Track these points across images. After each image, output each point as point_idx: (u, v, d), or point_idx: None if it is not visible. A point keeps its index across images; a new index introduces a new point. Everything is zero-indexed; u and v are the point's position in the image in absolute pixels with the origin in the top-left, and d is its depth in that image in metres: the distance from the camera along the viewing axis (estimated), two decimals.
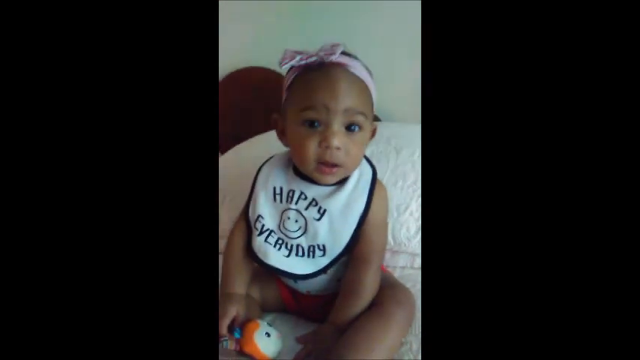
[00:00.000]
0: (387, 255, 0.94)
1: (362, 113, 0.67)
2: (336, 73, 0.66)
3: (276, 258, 0.71)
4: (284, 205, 0.73)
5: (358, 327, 0.63)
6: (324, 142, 0.65)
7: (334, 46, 0.66)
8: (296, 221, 0.71)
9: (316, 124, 0.66)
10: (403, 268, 0.94)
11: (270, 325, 0.66)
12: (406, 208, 0.94)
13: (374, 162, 0.85)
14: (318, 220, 0.70)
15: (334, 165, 0.67)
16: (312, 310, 0.77)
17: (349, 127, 0.66)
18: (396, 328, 0.63)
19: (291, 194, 0.72)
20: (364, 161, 0.74)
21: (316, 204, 0.70)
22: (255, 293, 0.78)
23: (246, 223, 0.76)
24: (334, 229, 0.70)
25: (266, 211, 0.74)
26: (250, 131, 1.27)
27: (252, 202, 0.76)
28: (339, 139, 0.65)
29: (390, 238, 0.94)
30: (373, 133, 0.75)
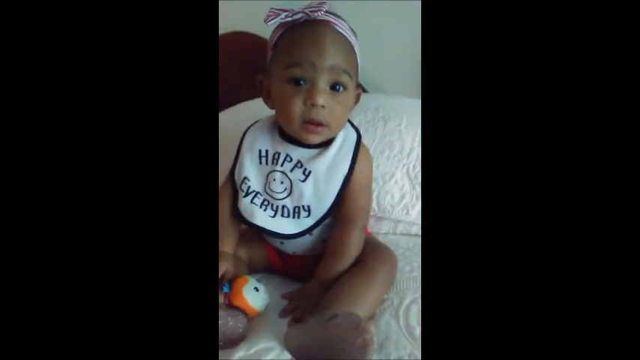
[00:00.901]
0: (372, 221, 0.97)
1: (347, 72, 0.68)
2: (322, 30, 0.67)
3: (262, 218, 0.74)
4: (269, 167, 0.74)
5: (343, 283, 0.67)
6: (310, 100, 0.66)
7: (320, 3, 0.67)
8: (281, 183, 0.73)
9: (302, 82, 0.67)
10: (386, 234, 0.97)
11: (258, 280, 0.69)
12: (391, 177, 0.97)
13: (362, 131, 0.87)
14: (303, 181, 0.72)
15: (319, 124, 0.68)
16: (297, 271, 0.80)
17: (334, 87, 0.68)
18: (378, 284, 0.67)
19: (276, 156, 0.74)
20: (349, 125, 0.76)
21: (301, 166, 0.72)
22: (243, 254, 0.80)
23: (232, 185, 0.78)
24: (319, 190, 0.72)
25: (252, 173, 0.75)
26: (236, 98, 1.25)
27: (237, 165, 0.77)
28: (324, 98, 0.66)
29: (374, 205, 0.97)
30: (357, 97, 0.76)
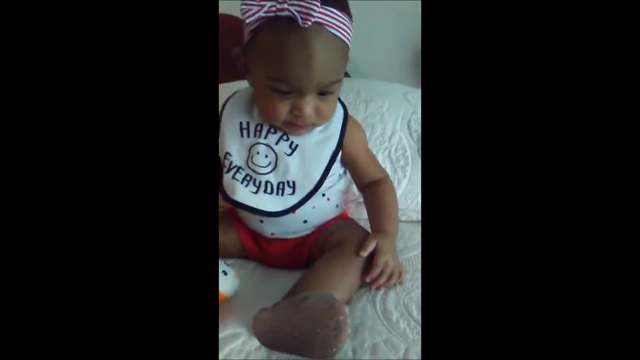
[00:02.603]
0: (352, 206, 0.93)
1: (337, 80, 0.64)
2: (312, 40, 0.59)
3: (244, 194, 0.70)
4: (252, 139, 0.70)
5: (319, 266, 0.62)
6: (296, 111, 0.63)
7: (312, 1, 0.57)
8: (266, 156, 0.69)
9: (288, 92, 0.62)
10: (367, 219, 0.93)
11: (227, 264, 0.64)
12: None
13: None
14: (290, 155, 0.69)
15: (306, 125, 0.66)
16: (274, 257, 0.76)
17: (323, 93, 0.63)
18: (356, 268, 0.63)
19: (259, 128, 0.71)
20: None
21: (287, 139, 0.69)
22: None
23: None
24: (305, 165, 0.69)
25: (234, 147, 0.71)
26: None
27: (220, 140, 0.73)
28: (311, 107, 0.63)
29: (354, 189, 0.93)
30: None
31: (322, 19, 0.59)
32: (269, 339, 0.52)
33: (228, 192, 0.70)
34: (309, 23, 0.57)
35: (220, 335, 0.53)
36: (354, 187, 0.93)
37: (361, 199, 0.93)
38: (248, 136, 0.71)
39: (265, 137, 0.70)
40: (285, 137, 0.69)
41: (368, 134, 0.94)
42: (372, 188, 0.74)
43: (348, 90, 1.01)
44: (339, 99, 0.73)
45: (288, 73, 0.60)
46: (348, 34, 0.64)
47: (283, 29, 0.58)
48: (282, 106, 0.63)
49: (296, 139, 0.69)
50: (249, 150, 0.70)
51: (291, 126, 0.66)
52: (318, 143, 0.69)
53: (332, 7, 0.60)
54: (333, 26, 0.60)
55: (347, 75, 1.16)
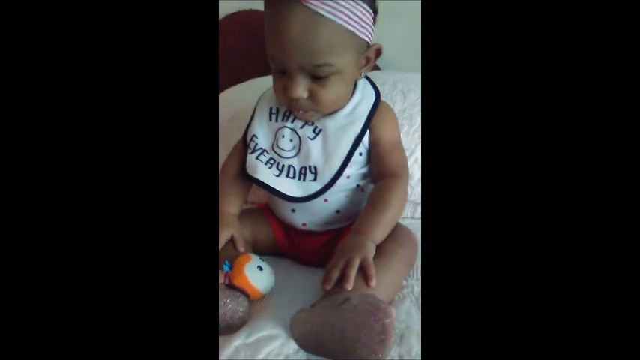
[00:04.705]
0: None
1: (327, 64, 0.58)
2: (286, 17, 0.55)
3: (266, 176, 0.68)
4: (279, 124, 0.70)
5: None
6: (287, 92, 0.61)
7: None
8: (290, 140, 0.68)
9: (283, 73, 0.61)
10: (404, 218, 0.89)
11: (262, 259, 0.61)
12: (411, 154, 0.88)
13: None
14: (312, 139, 0.67)
15: (304, 110, 0.64)
16: (308, 252, 0.73)
17: (316, 76, 0.60)
18: (397, 268, 0.59)
19: (287, 113, 0.70)
20: (367, 85, 0.70)
21: (312, 123, 0.67)
22: (247, 232, 0.73)
23: (244, 146, 0.73)
24: (327, 150, 0.66)
25: (261, 131, 0.71)
26: (247, 75, 1.21)
27: (250, 124, 0.74)
28: (302, 89, 0.60)
29: None
30: (378, 53, 0.66)
31: None
32: (308, 342, 0.49)
33: (251, 171, 0.69)
34: None
35: (257, 336, 0.50)
36: None
37: None
38: (276, 120, 0.70)
39: (292, 122, 0.69)
40: (310, 122, 0.67)
41: (406, 127, 0.90)
42: (381, 184, 0.65)
43: (383, 82, 0.96)
44: (373, 84, 0.71)
45: (270, 49, 0.60)
46: (354, 20, 0.58)
47: (269, 4, 0.58)
48: (279, 88, 0.62)
49: (320, 124, 0.67)
50: (275, 134, 0.70)
51: (294, 111, 0.65)
52: (341, 128, 0.66)
53: None
54: (323, 7, 0.55)
55: (377, 68, 1.13)
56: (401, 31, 1.11)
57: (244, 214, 0.74)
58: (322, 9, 0.55)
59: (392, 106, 0.92)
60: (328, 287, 0.52)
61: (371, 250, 0.56)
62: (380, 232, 0.59)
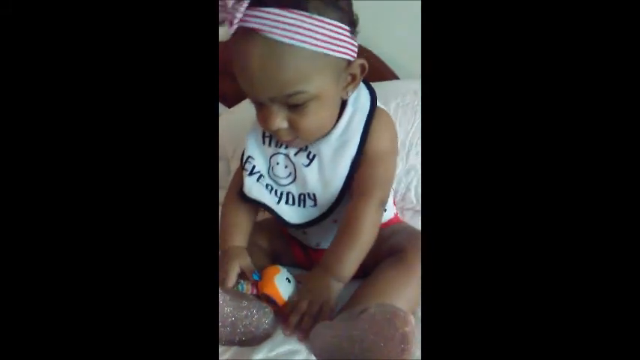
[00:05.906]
0: (409, 215, 0.89)
1: (298, 92, 0.54)
2: (247, 51, 0.52)
3: (268, 200, 0.67)
4: (272, 149, 0.67)
5: (377, 276, 0.58)
6: (266, 125, 0.59)
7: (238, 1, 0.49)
8: (285, 167, 0.66)
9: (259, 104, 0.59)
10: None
11: (289, 272, 0.62)
12: None
13: (397, 115, 0.78)
14: (307, 166, 0.64)
15: (287, 139, 0.61)
16: None
17: (291, 105, 0.56)
18: (417, 277, 0.56)
19: None
20: (360, 94, 0.64)
21: (305, 149, 0.64)
22: (264, 243, 0.73)
23: (242, 167, 0.71)
24: (324, 177, 0.63)
25: (256, 152, 0.68)
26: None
27: (245, 146, 0.71)
28: (280, 120, 0.57)
29: (412, 197, 0.89)
30: (362, 69, 0.60)
31: (255, 24, 0.50)
32: (328, 356, 0.48)
33: (254, 195, 0.67)
34: (234, 25, 0.50)
35: (277, 351, 0.50)
36: (411, 194, 0.89)
37: (418, 207, 0.89)
38: (269, 144, 0.68)
39: (286, 147, 0.65)
40: (303, 148, 0.64)
41: None
42: (350, 208, 0.60)
43: (404, 92, 0.96)
44: (370, 88, 0.66)
45: (240, 83, 0.56)
46: (323, 40, 0.53)
47: (232, 36, 0.53)
48: (259, 118, 0.60)
49: (313, 148, 0.63)
50: (270, 160, 0.68)
51: (279, 140, 0.62)
52: (335, 151, 0.62)
53: (283, 9, 0.50)
54: (274, 31, 0.50)
55: (396, 77, 1.12)
56: (416, 35, 1.10)
57: (261, 225, 0.74)
58: (282, 36, 0.50)
59: (414, 116, 0.91)
60: (288, 334, 0.53)
61: (334, 292, 0.56)
62: (347, 267, 0.57)
